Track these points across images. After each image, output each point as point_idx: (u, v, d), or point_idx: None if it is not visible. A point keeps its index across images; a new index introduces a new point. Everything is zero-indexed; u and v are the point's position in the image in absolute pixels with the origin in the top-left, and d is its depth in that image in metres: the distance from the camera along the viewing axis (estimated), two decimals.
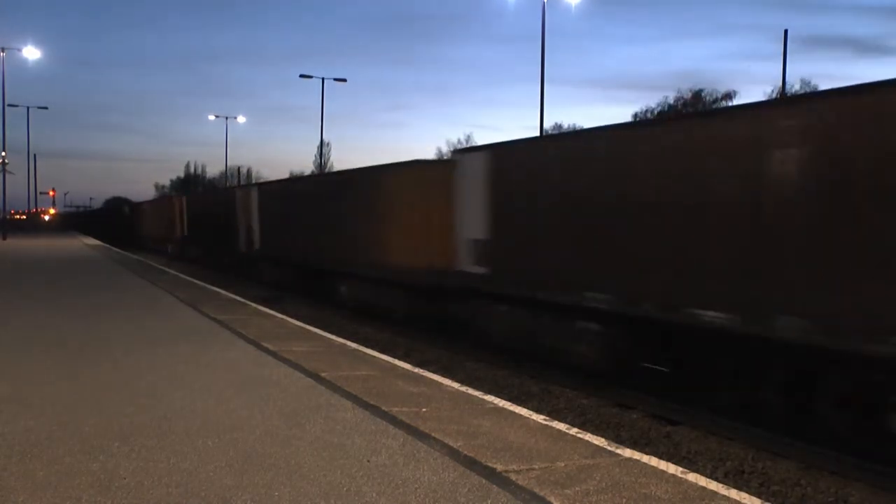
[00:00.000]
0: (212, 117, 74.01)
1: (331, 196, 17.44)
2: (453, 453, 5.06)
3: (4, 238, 44.37)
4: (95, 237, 54.82)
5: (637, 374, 8.82)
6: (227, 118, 68.63)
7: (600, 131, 9.69)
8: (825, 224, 6.45)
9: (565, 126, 65.61)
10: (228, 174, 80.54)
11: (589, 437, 5.59)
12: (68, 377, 7.37)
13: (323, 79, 46.11)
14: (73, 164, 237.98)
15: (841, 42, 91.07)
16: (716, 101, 53.87)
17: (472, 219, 11.46)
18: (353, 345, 9.73)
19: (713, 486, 4.54)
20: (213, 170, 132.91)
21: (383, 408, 6.27)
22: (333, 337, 10.39)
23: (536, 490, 4.36)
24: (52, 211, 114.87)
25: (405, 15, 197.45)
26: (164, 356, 8.50)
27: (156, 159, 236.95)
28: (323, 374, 7.59)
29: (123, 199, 72.65)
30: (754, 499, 4.35)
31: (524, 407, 6.72)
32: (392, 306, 14.73)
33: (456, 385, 7.38)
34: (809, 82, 50.14)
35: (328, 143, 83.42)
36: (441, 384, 7.40)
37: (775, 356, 7.19)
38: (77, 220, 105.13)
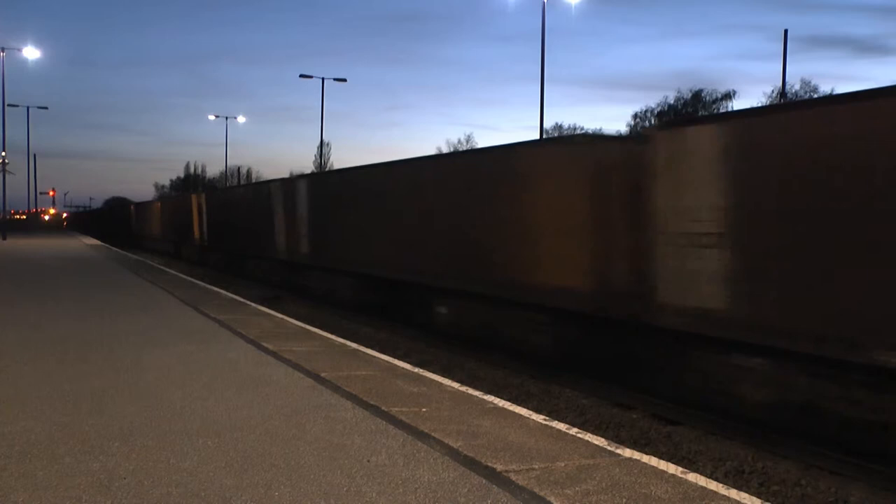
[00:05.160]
0: (212, 117, 74.23)
1: (429, 188, 13.43)
2: (453, 453, 5.06)
3: (4, 238, 44.35)
4: (95, 238, 54.60)
5: None
6: (227, 118, 68.73)
7: None
8: None
9: (565, 126, 65.52)
10: (228, 174, 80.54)
11: (589, 436, 5.58)
12: (68, 377, 7.37)
13: (323, 79, 46.18)
14: (73, 164, 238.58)
15: (840, 42, 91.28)
16: (716, 101, 53.89)
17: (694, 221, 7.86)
18: (353, 345, 9.72)
19: (713, 486, 4.53)
20: (213, 170, 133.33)
21: (383, 408, 6.27)
22: (333, 337, 10.38)
23: (536, 490, 4.36)
24: (51, 211, 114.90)
25: (405, 15, 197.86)
26: (165, 356, 8.49)
27: (156, 159, 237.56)
28: (323, 374, 7.59)
29: (123, 199, 72.48)
30: (754, 499, 4.34)
31: (524, 407, 6.71)
32: (527, 338, 10.92)
33: (456, 385, 7.38)
34: (809, 82, 50.24)
35: (328, 144, 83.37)
36: (441, 384, 7.39)
37: None
38: (77, 220, 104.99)
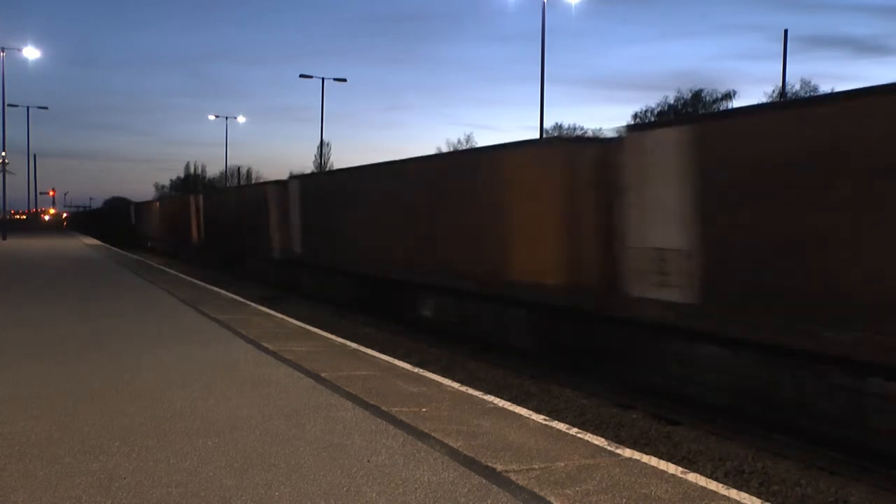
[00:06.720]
0: (212, 117, 73.97)
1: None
2: (453, 453, 5.06)
3: (4, 238, 44.34)
4: (94, 238, 54.50)
5: None
6: (227, 118, 68.64)
7: None
8: None
9: (565, 126, 65.49)
10: (228, 174, 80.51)
11: (589, 436, 5.59)
12: (68, 377, 7.37)
13: (323, 79, 46.12)
14: (73, 164, 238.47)
15: (840, 42, 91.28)
16: (716, 101, 53.82)
17: None
18: (354, 345, 9.73)
19: (713, 486, 4.54)
20: (213, 169, 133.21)
21: (383, 408, 6.27)
22: (333, 337, 10.39)
23: (536, 490, 4.36)
24: (51, 211, 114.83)
25: (405, 15, 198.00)
26: (165, 356, 8.50)
27: (156, 159, 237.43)
28: (323, 374, 7.59)
29: (123, 199, 72.38)
30: (754, 499, 4.34)
31: (524, 407, 6.71)
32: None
33: (456, 385, 7.38)
34: (809, 82, 50.16)
35: (328, 144, 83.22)
36: (441, 384, 7.40)
37: None
38: (77, 220, 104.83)
